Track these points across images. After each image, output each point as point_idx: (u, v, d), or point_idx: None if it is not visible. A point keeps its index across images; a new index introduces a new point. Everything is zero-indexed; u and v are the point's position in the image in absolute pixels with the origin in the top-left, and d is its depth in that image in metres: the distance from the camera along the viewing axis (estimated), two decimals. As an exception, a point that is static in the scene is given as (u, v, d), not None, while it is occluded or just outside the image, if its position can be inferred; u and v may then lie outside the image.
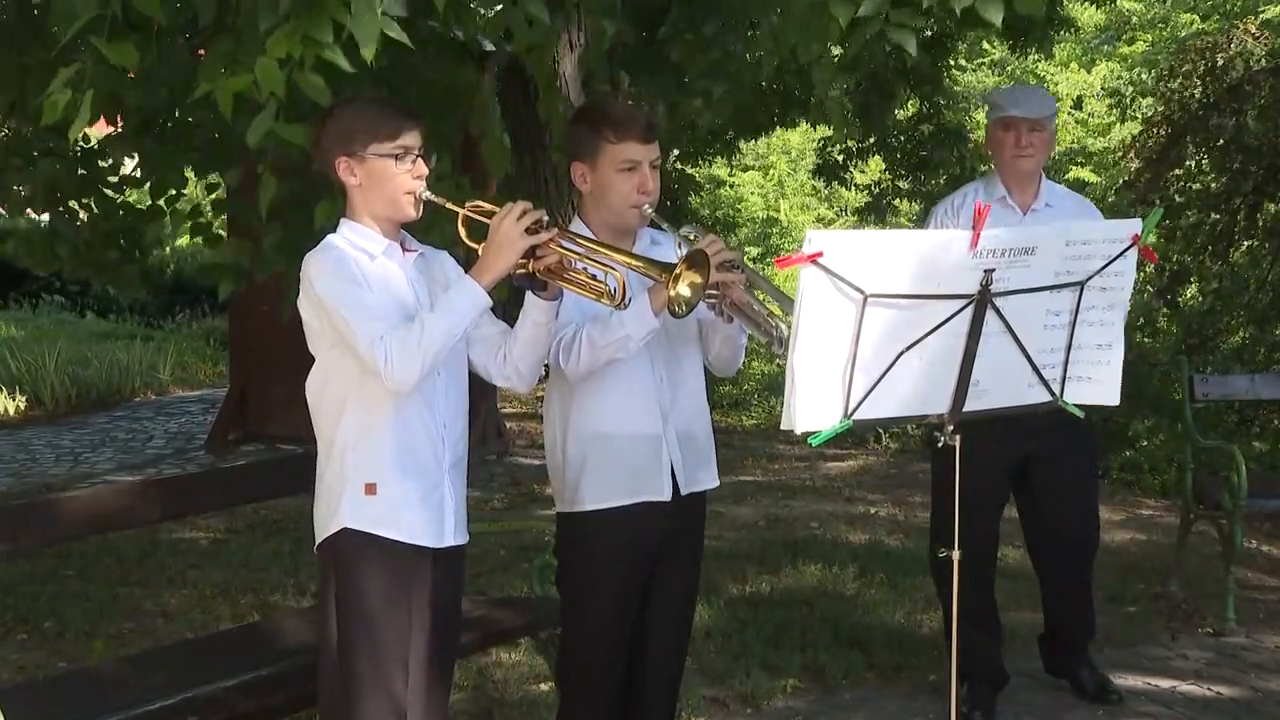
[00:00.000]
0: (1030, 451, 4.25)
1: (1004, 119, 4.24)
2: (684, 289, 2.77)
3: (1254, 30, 10.35)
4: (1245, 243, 10.43)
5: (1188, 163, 10.31)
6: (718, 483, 3.28)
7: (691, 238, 2.99)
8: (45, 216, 4.82)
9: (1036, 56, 12.46)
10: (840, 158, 13.66)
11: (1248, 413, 9.28)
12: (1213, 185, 10.31)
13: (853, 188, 16.15)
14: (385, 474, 2.81)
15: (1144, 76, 15.99)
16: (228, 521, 7.18)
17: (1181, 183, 10.36)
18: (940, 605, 4.56)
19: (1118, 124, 16.04)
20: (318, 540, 2.89)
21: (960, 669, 4.37)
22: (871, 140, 12.55)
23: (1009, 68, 21.66)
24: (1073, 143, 16.94)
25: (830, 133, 13.24)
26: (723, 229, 18.35)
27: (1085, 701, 4.49)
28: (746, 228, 20.10)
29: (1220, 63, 9.97)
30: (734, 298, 2.94)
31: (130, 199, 5.09)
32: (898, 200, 15.25)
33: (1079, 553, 4.48)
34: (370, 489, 2.81)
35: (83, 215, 4.75)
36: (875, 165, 15.27)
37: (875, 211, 14.95)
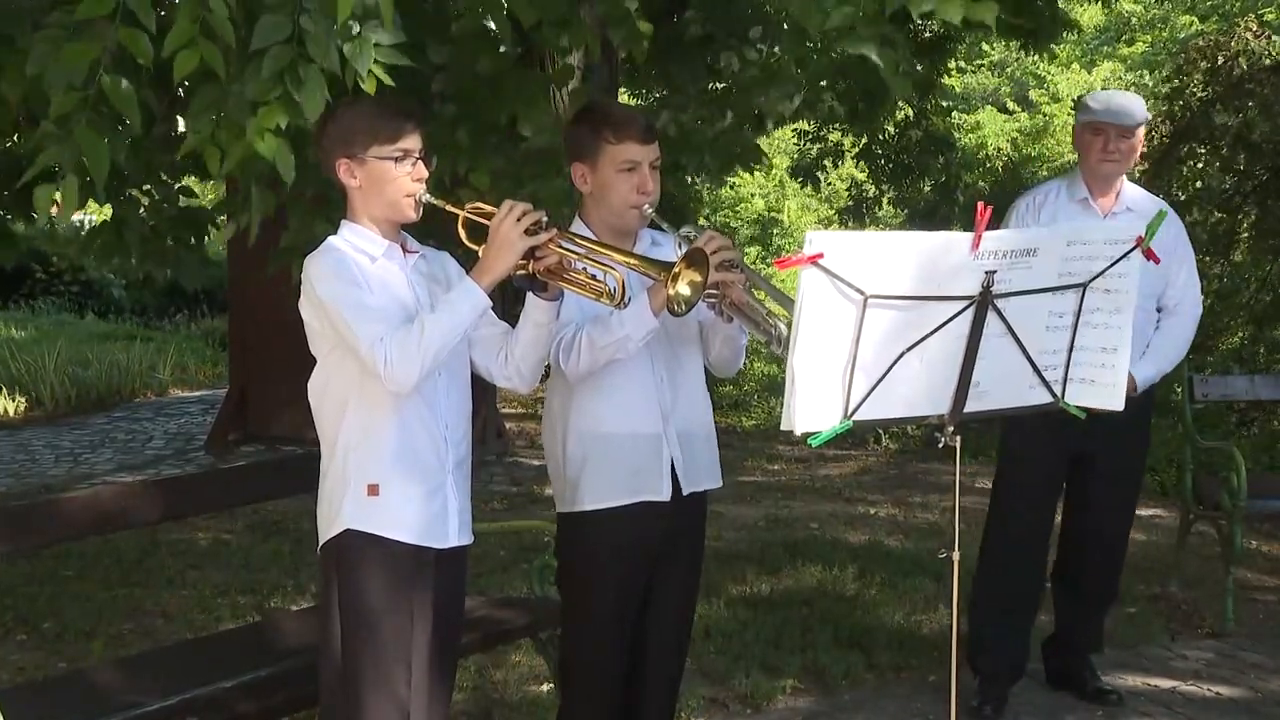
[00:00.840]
0: (1086, 449, 4.27)
1: (1094, 123, 4.26)
2: (683, 288, 2.77)
3: (1255, 28, 10.33)
4: (1246, 242, 10.40)
5: (1190, 161, 10.28)
6: (720, 483, 3.28)
7: (691, 237, 2.99)
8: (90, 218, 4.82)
9: (1037, 57, 12.43)
10: (816, 156, 13.63)
11: (1248, 413, 9.27)
12: (1215, 184, 10.29)
13: (852, 185, 16.16)
14: (387, 475, 2.81)
15: (1146, 78, 16.01)
16: (227, 522, 7.18)
17: (1185, 180, 10.34)
18: (972, 602, 4.53)
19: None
20: (320, 541, 2.89)
21: (974, 663, 4.47)
22: (861, 143, 12.53)
23: (1009, 69, 21.69)
24: (1073, 142, 16.90)
25: (807, 128, 13.20)
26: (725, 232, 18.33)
27: (1085, 702, 4.50)
28: (748, 228, 20.12)
29: (1222, 60, 9.95)
30: (733, 297, 2.94)
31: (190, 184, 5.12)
32: (878, 208, 15.24)
33: (1113, 555, 4.51)
34: (372, 490, 2.81)
35: (144, 201, 4.75)
36: (863, 167, 15.33)
37: (854, 215, 14.97)
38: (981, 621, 4.41)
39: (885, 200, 14.84)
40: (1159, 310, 4.33)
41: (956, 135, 16.69)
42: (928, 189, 13.86)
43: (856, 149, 12.80)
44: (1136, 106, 4.30)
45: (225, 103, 3.34)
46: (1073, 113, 18.40)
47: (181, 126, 5.06)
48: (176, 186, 4.90)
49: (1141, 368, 4.19)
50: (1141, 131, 4.32)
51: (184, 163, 4.96)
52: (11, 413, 11.26)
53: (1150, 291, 4.23)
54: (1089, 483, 4.39)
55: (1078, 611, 4.56)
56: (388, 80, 3.23)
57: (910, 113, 11.81)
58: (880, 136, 12.19)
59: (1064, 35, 9.64)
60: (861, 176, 15.60)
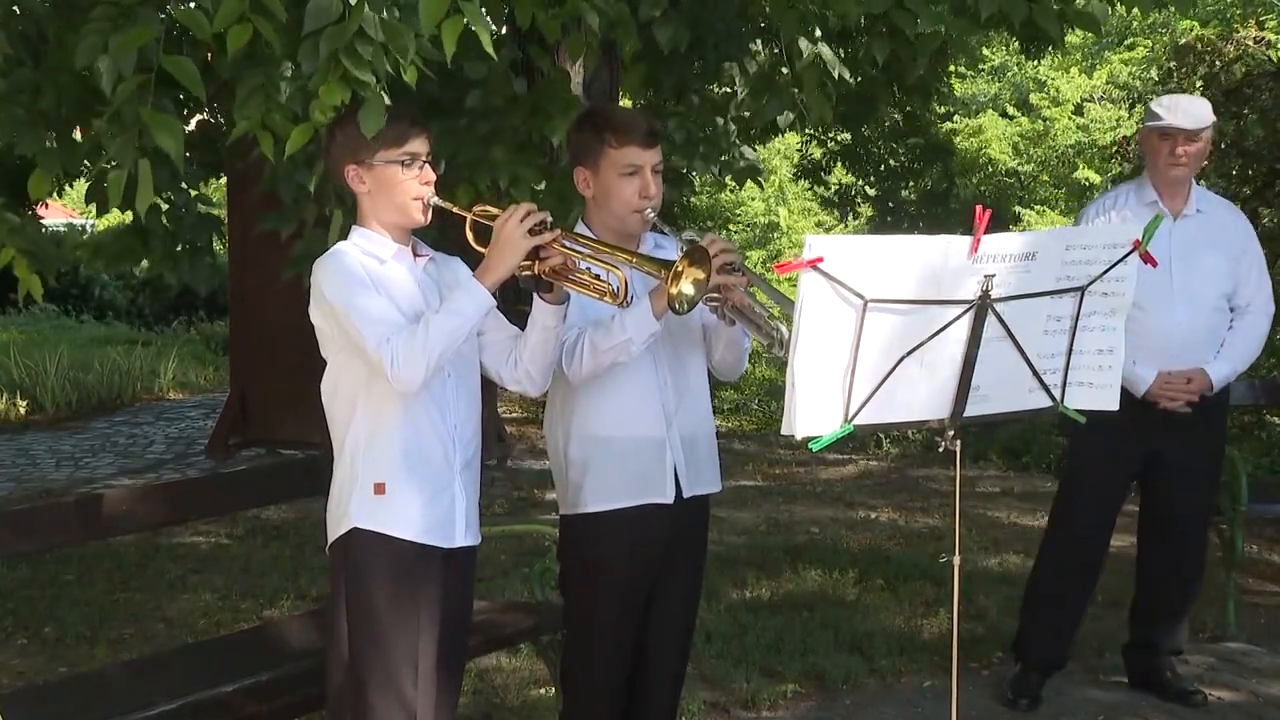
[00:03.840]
0: (1158, 447, 4.31)
1: (1162, 128, 4.27)
2: (686, 286, 2.79)
3: (1254, 35, 10.32)
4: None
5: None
6: (719, 488, 3.28)
7: (694, 241, 3.00)
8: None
9: (1037, 62, 12.43)
10: (822, 158, 13.60)
11: (1249, 418, 9.26)
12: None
13: (857, 197, 16.17)
14: (394, 474, 2.83)
15: (1153, 73, 16.02)
16: (228, 526, 7.18)
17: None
18: (1026, 594, 4.63)
19: (1126, 115, 16.08)
20: (329, 540, 2.91)
21: (1021, 654, 4.57)
22: (844, 143, 12.50)
23: (1009, 74, 21.69)
24: (1074, 144, 17.12)
25: (810, 132, 13.21)
26: (724, 233, 18.33)
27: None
28: (747, 232, 20.14)
29: (1219, 66, 9.94)
30: (735, 300, 2.95)
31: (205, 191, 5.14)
32: (859, 206, 15.24)
33: (1196, 554, 4.54)
34: (379, 489, 2.83)
35: (164, 206, 4.77)
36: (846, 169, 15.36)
37: (839, 209, 14.99)
38: (1033, 615, 4.53)
39: (870, 195, 14.81)
40: (1232, 310, 4.35)
41: (955, 139, 16.73)
42: (913, 196, 13.86)
43: (839, 149, 12.77)
44: (1203, 110, 4.31)
45: (273, 86, 3.33)
46: (1074, 116, 18.38)
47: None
48: (194, 195, 4.91)
49: (1216, 366, 4.25)
50: (1208, 134, 4.32)
51: (201, 169, 4.96)
52: (12, 417, 11.26)
53: (1222, 291, 4.29)
54: (1159, 480, 4.42)
55: (1161, 613, 4.59)
56: (429, 73, 3.23)
57: (900, 118, 11.77)
58: (867, 139, 12.14)
59: (1072, 33, 9.60)
60: (851, 180, 15.63)
